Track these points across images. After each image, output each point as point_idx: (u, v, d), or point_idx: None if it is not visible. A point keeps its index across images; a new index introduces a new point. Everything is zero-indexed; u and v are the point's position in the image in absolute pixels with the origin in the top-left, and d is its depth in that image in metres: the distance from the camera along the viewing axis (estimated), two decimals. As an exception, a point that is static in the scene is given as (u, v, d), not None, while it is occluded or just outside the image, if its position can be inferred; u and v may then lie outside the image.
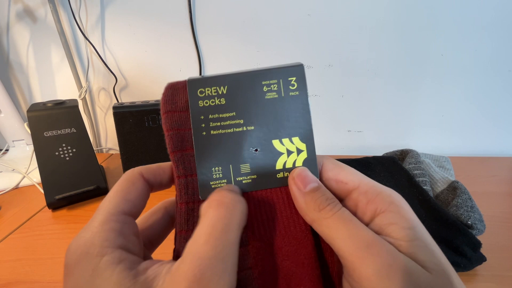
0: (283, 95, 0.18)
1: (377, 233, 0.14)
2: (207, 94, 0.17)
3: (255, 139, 0.17)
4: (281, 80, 0.18)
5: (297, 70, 0.18)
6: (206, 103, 0.17)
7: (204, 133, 0.17)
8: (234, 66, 0.66)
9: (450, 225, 0.34)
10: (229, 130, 0.17)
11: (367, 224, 0.15)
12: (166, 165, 0.18)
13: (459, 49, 0.60)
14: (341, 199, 0.17)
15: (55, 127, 0.46)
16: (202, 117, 0.17)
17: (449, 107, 0.65)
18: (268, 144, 0.17)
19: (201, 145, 0.17)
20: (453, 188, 0.41)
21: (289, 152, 0.18)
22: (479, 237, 0.33)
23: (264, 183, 0.18)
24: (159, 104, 0.61)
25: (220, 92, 0.17)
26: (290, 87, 0.18)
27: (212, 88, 0.17)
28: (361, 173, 0.17)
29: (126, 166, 0.52)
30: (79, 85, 0.67)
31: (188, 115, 0.17)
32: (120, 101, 0.70)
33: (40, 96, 0.72)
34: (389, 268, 0.12)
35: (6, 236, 0.41)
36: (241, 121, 0.17)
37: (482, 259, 0.32)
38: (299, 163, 0.18)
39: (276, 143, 0.18)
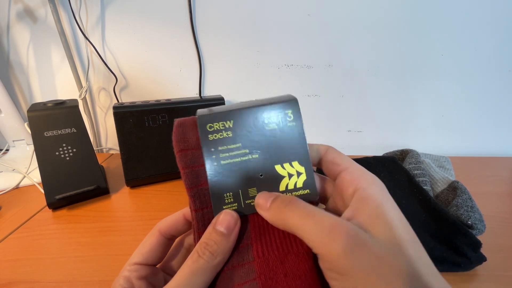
0: (281, 125, 0.20)
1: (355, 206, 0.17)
2: (215, 129, 0.19)
3: (260, 165, 0.19)
4: (279, 113, 0.20)
5: (293, 104, 0.20)
6: (215, 136, 0.19)
7: (216, 163, 0.19)
8: (234, 66, 0.66)
9: (450, 225, 0.34)
10: (236, 160, 0.19)
11: (347, 201, 0.18)
12: (178, 214, 0.22)
13: (459, 49, 0.60)
14: (334, 179, 0.20)
15: (55, 127, 0.46)
16: (213, 149, 0.19)
17: (449, 107, 0.66)
18: (271, 169, 0.20)
19: (213, 174, 0.19)
20: (453, 188, 0.41)
21: (290, 175, 0.20)
22: (479, 237, 0.33)
23: None
24: (159, 104, 0.61)
25: (227, 126, 0.20)
26: (287, 118, 0.20)
27: (220, 123, 0.19)
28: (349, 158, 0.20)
29: (126, 166, 0.52)
30: (79, 85, 0.67)
31: (200, 152, 0.19)
32: (120, 101, 0.70)
33: (40, 96, 0.72)
34: (352, 246, 0.15)
35: (6, 236, 0.41)
36: (246, 151, 0.20)
37: (482, 259, 0.32)
38: (299, 184, 0.20)
39: (278, 168, 0.20)
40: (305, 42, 0.62)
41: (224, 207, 0.19)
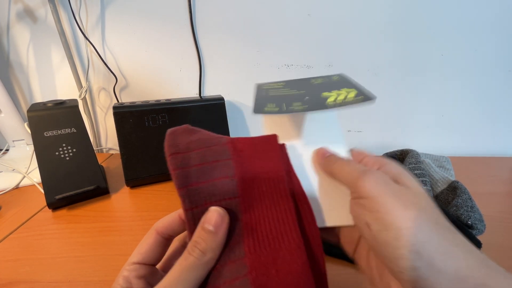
0: (327, 80, 0.25)
1: None
2: (269, 87, 0.27)
3: (306, 95, 0.23)
4: (325, 77, 0.27)
5: (339, 74, 0.27)
6: (268, 87, 0.27)
7: (264, 94, 0.24)
8: (234, 66, 0.66)
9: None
10: (284, 93, 0.24)
11: None
12: (174, 215, 0.22)
13: (459, 49, 0.60)
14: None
15: (55, 127, 0.46)
16: (264, 91, 0.25)
17: (449, 107, 0.66)
18: (318, 95, 0.23)
19: (260, 95, 0.24)
20: (453, 188, 0.41)
21: (339, 94, 0.22)
22: (479, 237, 0.33)
23: (315, 106, 0.21)
24: (159, 104, 0.62)
25: (280, 85, 0.26)
26: (333, 77, 0.26)
27: (274, 83, 0.27)
28: None
29: (126, 166, 0.52)
30: (79, 85, 0.67)
31: (189, 155, 0.20)
32: (120, 101, 0.70)
33: (40, 96, 0.72)
34: (374, 180, 0.18)
35: (6, 236, 0.41)
36: (294, 91, 0.24)
37: (482, 259, 0.32)
38: (350, 97, 0.22)
39: (325, 93, 0.23)
40: (305, 42, 0.62)
41: (265, 108, 0.21)
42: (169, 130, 0.21)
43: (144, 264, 0.21)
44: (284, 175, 0.20)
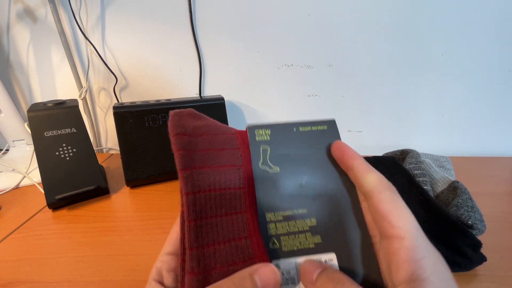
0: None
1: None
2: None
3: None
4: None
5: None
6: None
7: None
8: (234, 66, 0.66)
9: (451, 225, 0.34)
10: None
11: (394, 279, 0.16)
12: None
13: (459, 49, 0.60)
14: (380, 233, 0.18)
15: (55, 127, 0.46)
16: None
17: (449, 107, 0.66)
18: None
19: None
20: (454, 188, 0.41)
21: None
22: (479, 237, 0.33)
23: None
24: (159, 104, 0.61)
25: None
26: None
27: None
28: (412, 216, 0.17)
29: (126, 166, 0.52)
30: (79, 85, 0.67)
31: (196, 139, 0.19)
32: (120, 101, 0.70)
33: (40, 96, 0.72)
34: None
35: (6, 236, 0.41)
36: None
37: (482, 259, 0.32)
38: None
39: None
40: (305, 42, 0.62)
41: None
42: (173, 111, 0.20)
43: (176, 254, 0.20)
44: None
